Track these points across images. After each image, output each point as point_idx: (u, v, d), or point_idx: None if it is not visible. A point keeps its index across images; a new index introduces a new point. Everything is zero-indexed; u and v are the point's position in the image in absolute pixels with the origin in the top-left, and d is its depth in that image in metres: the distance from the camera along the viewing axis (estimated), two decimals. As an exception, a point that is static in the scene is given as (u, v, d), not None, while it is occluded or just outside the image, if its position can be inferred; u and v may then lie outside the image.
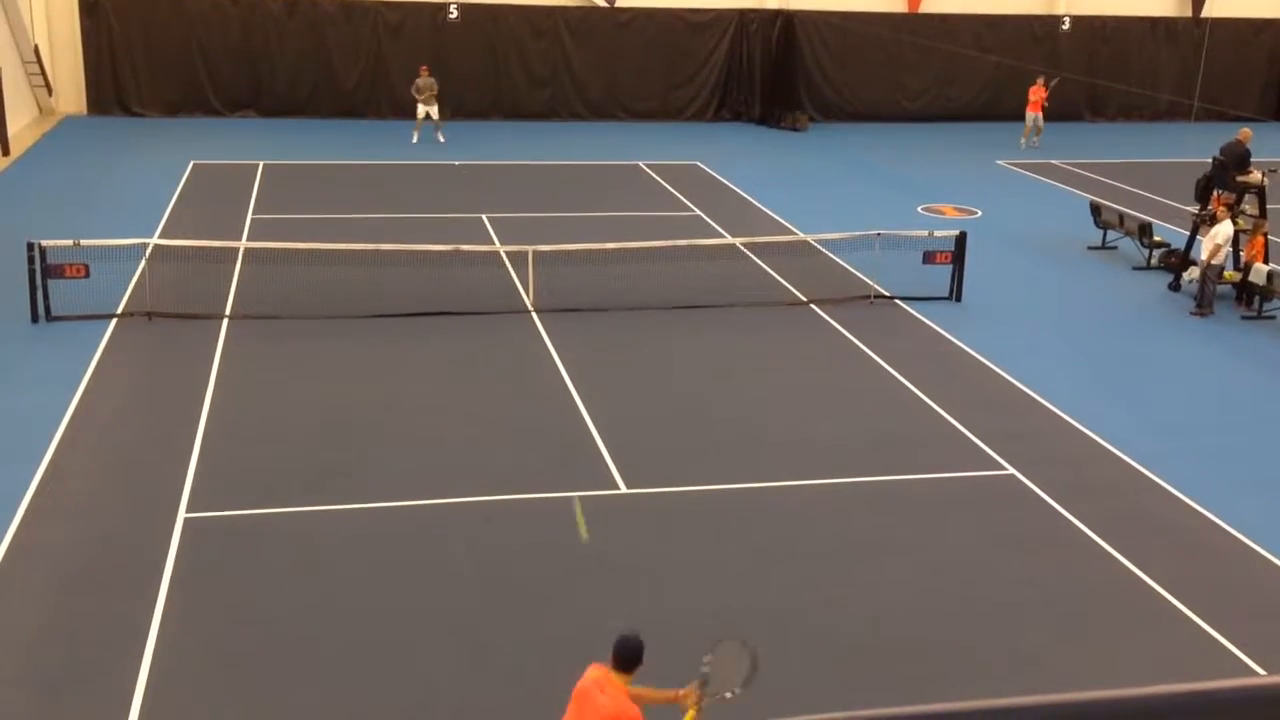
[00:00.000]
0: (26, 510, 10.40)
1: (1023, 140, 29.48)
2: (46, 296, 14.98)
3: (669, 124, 31.88)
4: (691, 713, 6.14)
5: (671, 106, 32.39)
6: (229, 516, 10.44)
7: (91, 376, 13.37)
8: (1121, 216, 20.10)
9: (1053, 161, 28.09)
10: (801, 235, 19.38)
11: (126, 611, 8.96)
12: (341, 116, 30.34)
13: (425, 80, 27.63)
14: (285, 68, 30.22)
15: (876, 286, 17.24)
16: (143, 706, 7.94)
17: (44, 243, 15.05)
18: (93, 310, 15.20)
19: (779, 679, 8.49)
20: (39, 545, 9.87)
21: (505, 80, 31.21)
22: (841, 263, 18.66)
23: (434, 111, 27.58)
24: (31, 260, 14.86)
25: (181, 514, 10.40)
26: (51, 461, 11.31)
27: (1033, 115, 29.51)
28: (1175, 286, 18.24)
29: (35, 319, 14.94)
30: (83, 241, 15.50)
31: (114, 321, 15.08)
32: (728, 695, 6.10)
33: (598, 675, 6.23)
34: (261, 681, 8.26)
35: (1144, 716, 1.28)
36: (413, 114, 27.73)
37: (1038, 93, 29.56)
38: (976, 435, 12.62)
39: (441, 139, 27.78)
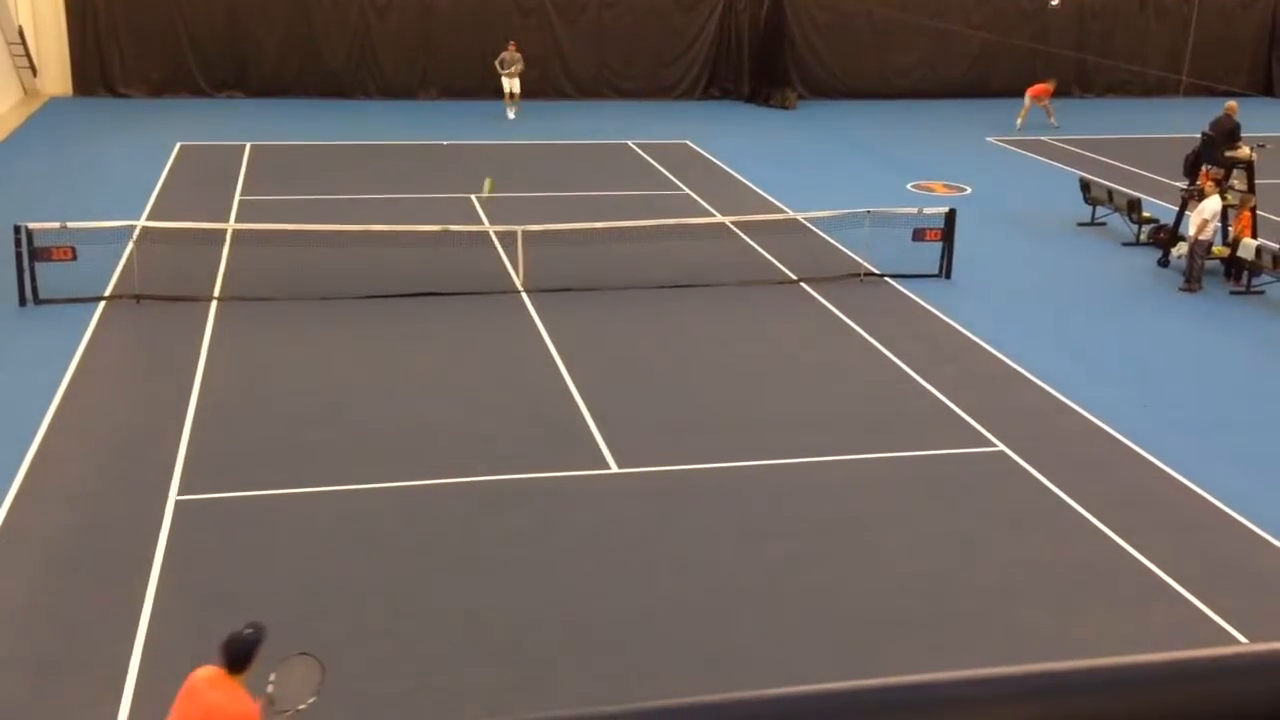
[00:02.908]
0: (17, 493, 10.38)
1: (1019, 120, 29.14)
2: (34, 279, 14.90)
3: (658, 102, 31.78)
4: None
5: (660, 85, 32.28)
6: (220, 499, 10.44)
7: (80, 359, 13.33)
8: (1110, 192, 20.12)
9: (1042, 138, 28.08)
10: (791, 213, 19.36)
11: (118, 593, 8.96)
12: (328, 96, 30.17)
13: (511, 54, 28.16)
14: (271, 48, 30.03)
15: (866, 264, 17.24)
16: (136, 687, 7.96)
17: (31, 225, 14.97)
18: (81, 293, 15.14)
19: (772, 656, 8.53)
20: (30, 528, 9.86)
21: (493, 60, 31.05)
22: (831, 241, 18.65)
23: (515, 87, 28.01)
24: (18, 243, 14.78)
25: (173, 496, 10.40)
26: (41, 445, 11.29)
27: (1032, 99, 29.15)
28: (1164, 262, 18.27)
29: (23, 302, 14.87)
30: (70, 224, 15.42)
31: (102, 304, 15.02)
32: (301, 707, 6.21)
33: (209, 673, 6.13)
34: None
35: (1125, 685, 1.28)
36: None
37: (1045, 91, 29.21)
38: (966, 412, 12.65)
39: (511, 115, 28.13)
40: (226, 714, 5.92)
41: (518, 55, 28.27)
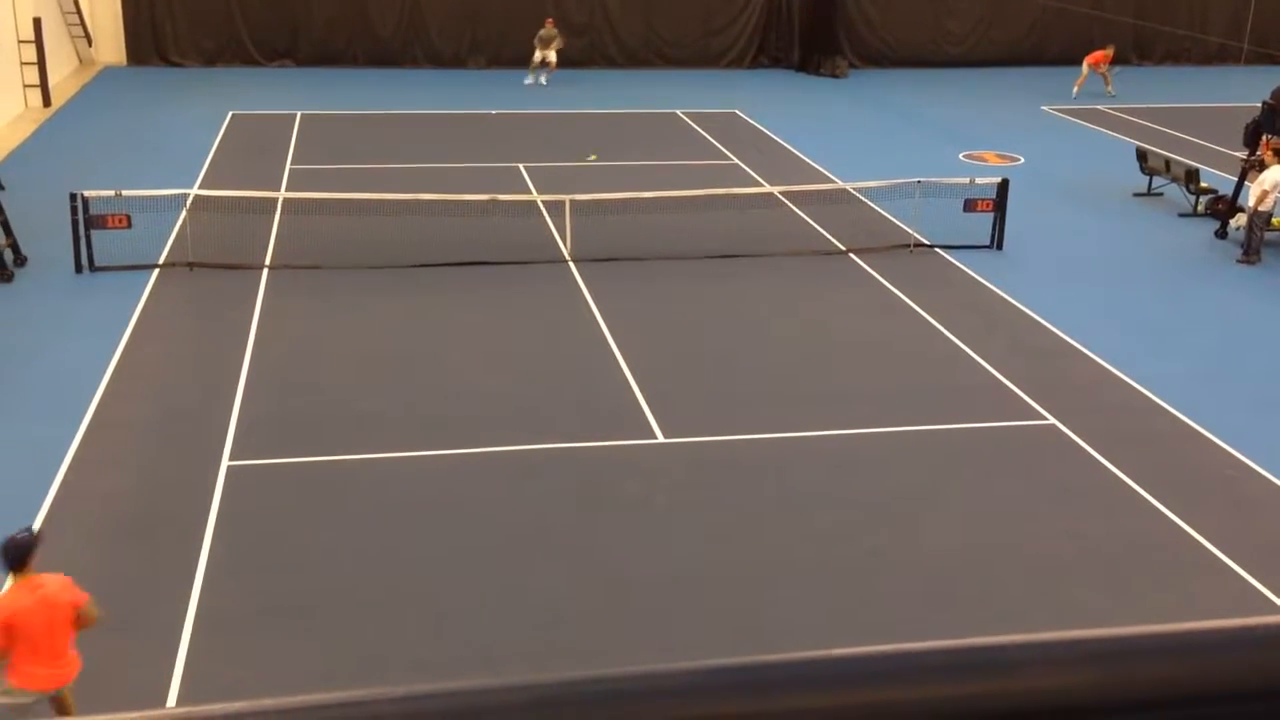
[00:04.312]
0: (73, 458, 10.57)
1: (1075, 88, 28.67)
2: (90, 247, 15.11)
3: (706, 71, 31.55)
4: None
5: (709, 54, 32.04)
6: (270, 464, 10.57)
7: (135, 326, 13.52)
8: (1168, 162, 19.75)
9: (1098, 107, 27.59)
10: (840, 183, 19.20)
11: (172, 556, 9.11)
12: (378, 66, 30.25)
13: (549, 32, 28.56)
14: (322, 17, 30.13)
15: (917, 235, 17.07)
16: (190, 648, 8.10)
17: (86, 193, 15.17)
18: (135, 260, 15.33)
19: (816, 627, 8.52)
20: (86, 492, 10.04)
21: (541, 28, 30.94)
22: (881, 211, 18.48)
23: (551, 57, 28.42)
24: (74, 211, 14.99)
25: (225, 461, 10.54)
26: (97, 411, 11.47)
27: (1089, 66, 28.66)
28: (1222, 234, 17.94)
29: (79, 269, 15.09)
30: (124, 192, 15.61)
31: (156, 271, 15.21)
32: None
33: (25, 584, 6.73)
34: (303, 623, 8.39)
35: (1179, 651, 1.26)
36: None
37: (1104, 58, 28.71)
38: (1017, 385, 12.52)
39: (545, 81, 28.47)
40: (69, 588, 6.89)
41: (555, 32, 28.50)
